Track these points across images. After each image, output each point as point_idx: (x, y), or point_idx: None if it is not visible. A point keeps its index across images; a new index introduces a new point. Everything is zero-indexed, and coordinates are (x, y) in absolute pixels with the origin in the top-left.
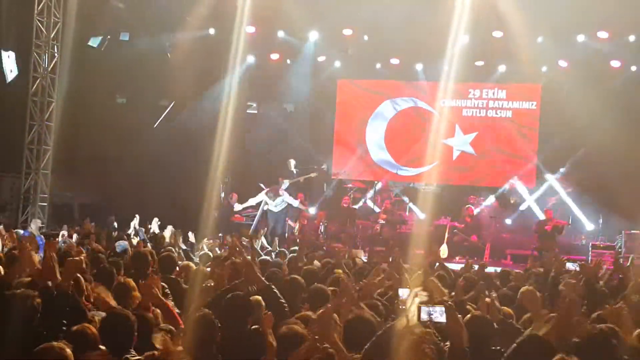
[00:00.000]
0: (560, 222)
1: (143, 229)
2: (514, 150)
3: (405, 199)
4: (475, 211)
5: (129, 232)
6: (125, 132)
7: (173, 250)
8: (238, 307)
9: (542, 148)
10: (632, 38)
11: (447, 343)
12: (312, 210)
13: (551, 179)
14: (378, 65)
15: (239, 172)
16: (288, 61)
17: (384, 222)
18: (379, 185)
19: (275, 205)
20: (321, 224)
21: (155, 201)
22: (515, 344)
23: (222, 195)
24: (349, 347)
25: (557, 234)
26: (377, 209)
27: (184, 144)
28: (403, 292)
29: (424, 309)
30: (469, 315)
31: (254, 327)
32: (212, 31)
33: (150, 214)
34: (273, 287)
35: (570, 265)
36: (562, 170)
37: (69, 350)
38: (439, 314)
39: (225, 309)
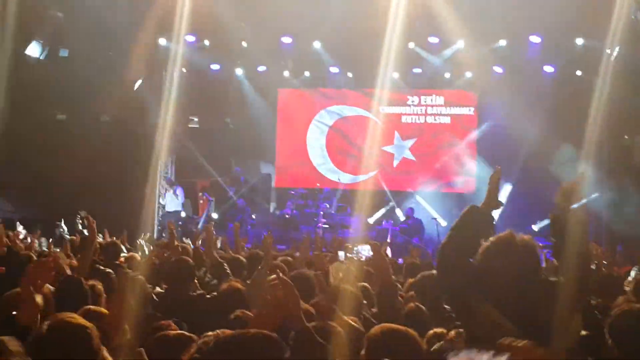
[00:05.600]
0: None
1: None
2: (453, 156)
3: (347, 205)
4: (416, 213)
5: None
6: (66, 147)
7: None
8: (182, 270)
9: (480, 152)
10: (567, 42)
11: None
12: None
13: None
14: (318, 74)
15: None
16: (229, 71)
17: (325, 226)
18: (321, 192)
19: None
20: (264, 231)
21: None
22: None
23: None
24: None
25: None
26: (320, 215)
27: (125, 159)
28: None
29: (355, 249)
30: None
31: (198, 292)
32: (153, 40)
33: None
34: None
35: None
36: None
37: None
38: (366, 251)
39: (170, 271)
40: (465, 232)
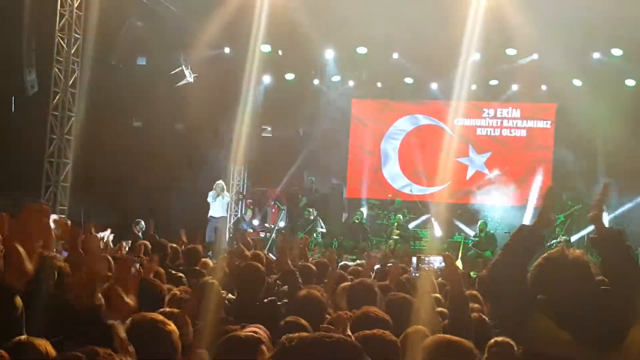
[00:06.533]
0: None
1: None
2: (529, 170)
3: (418, 217)
4: (488, 226)
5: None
6: (141, 155)
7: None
8: (252, 277)
9: (556, 168)
10: None
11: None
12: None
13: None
14: (392, 84)
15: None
16: (303, 81)
17: (397, 237)
18: (392, 203)
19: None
20: (335, 240)
21: (168, 222)
22: None
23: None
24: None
25: None
26: (391, 226)
27: (198, 167)
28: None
29: (425, 259)
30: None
31: (269, 298)
32: (227, 50)
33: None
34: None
35: None
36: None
37: None
38: (438, 262)
39: (240, 277)
40: (515, 250)
